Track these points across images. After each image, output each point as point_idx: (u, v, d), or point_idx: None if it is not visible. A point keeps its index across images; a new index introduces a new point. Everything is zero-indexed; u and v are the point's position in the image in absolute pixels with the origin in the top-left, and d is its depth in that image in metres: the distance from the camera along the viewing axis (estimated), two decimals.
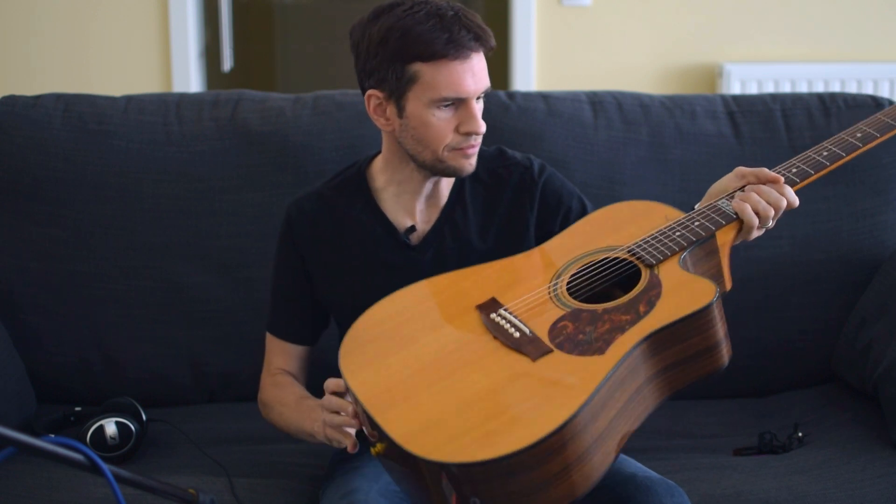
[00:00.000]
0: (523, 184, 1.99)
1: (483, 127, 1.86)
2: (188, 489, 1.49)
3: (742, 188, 1.83)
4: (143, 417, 2.17)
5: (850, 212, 2.41)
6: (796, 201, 1.82)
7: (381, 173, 1.98)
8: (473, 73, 1.82)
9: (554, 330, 1.68)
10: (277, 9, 5.59)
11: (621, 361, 1.59)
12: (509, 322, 1.71)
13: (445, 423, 1.57)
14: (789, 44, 4.06)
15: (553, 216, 1.99)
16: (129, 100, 2.48)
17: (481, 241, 1.96)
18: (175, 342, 2.40)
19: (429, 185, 1.95)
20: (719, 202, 1.83)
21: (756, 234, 1.81)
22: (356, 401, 1.67)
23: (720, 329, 1.68)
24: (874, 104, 2.47)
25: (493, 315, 1.73)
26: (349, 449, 1.77)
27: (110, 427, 2.11)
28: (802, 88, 4.00)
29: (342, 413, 1.76)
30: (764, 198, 1.80)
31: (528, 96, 2.49)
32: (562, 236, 1.90)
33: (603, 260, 1.80)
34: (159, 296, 2.40)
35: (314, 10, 5.50)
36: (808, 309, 2.41)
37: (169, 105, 2.47)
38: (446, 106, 1.83)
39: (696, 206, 1.86)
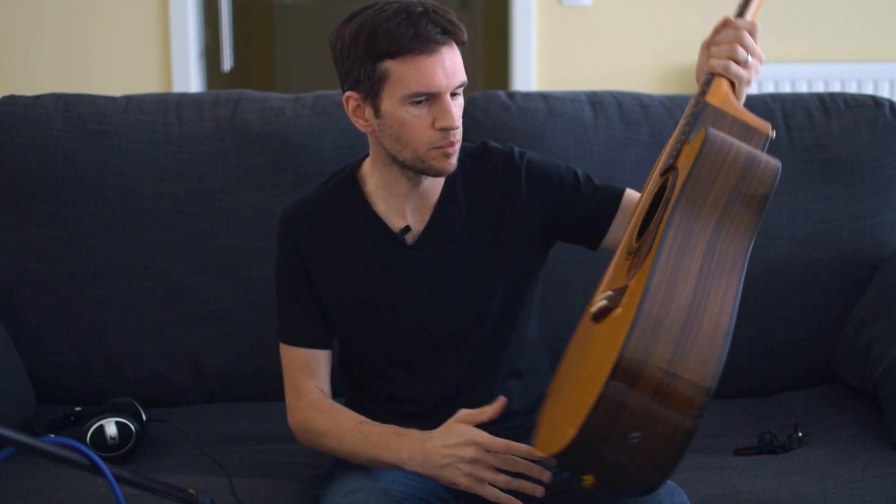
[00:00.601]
0: (507, 171, 1.98)
1: (458, 121, 1.83)
2: (188, 489, 1.49)
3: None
4: (143, 417, 2.17)
5: (850, 212, 2.41)
6: (755, 26, 1.77)
7: (371, 176, 1.97)
8: (444, 68, 1.80)
9: (629, 272, 1.68)
10: (277, 9, 5.60)
11: (662, 240, 1.56)
12: (601, 299, 1.70)
13: (581, 407, 1.55)
14: (789, 44, 4.06)
15: (546, 193, 1.97)
16: (129, 100, 2.48)
17: (476, 233, 1.96)
18: (175, 342, 2.40)
19: (416, 187, 1.93)
20: (705, 78, 1.80)
21: (747, 73, 1.76)
22: (550, 459, 1.66)
23: (741, 150, 1.63)
24: (874, 104, 2.47)
25: (592, 309, 1.72)
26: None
27: (110, 427, 2.11)
28: (802, 88, 4.00)
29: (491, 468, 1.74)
30: (723, 42, 1.77)
31: (528, 96, 2.49)
32: (632, 222, 1.86)
33: (652, 201, 1.76)
34: (159, 296, 2.40)
35: (314, 10, 5.50)
36: (808, 309, 2.41)
37: (169, 105, 2.47)
38: (419, 102, 1.81)
39: None
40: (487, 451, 1.75)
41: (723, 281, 1.57)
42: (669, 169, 1.73)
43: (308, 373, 1.98)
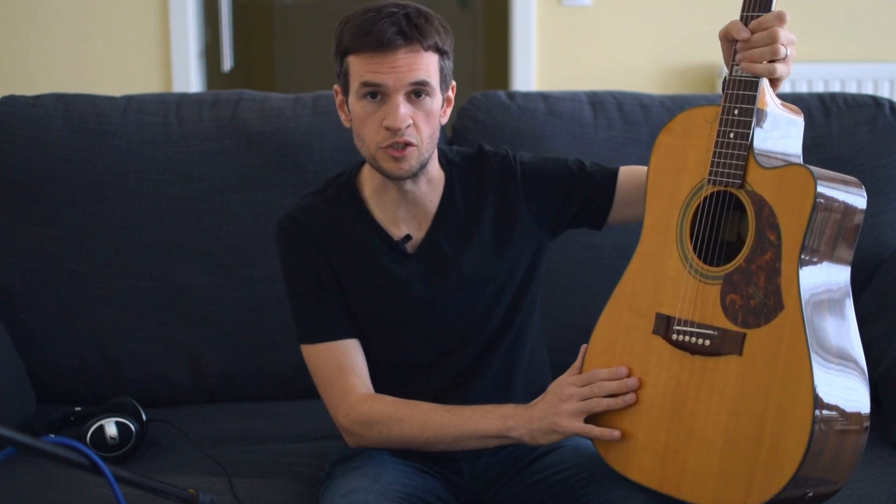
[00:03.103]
0: (504, 173, 1.98)
1: (402, 123, 1.81)
2: (188, 489, 1.49)
3: (736, 46, 1.72)
4: (143, 417, 2.17)
5: None
6: (784, 16, 1.68)
7: (367, 183, 1.97)
8: (394, 66, 1.81)
9: (727, 311, 1.68)
10: (277, 9, 5.60)
11: (801, 297, 1.62)
12: (691, 333, 1.72)
13: (732, 471, 1.65)
14: None
15: (545, 190, 1.97)
16: (129, 100, 2.48)
17: (476, 240, 1.95)
18: (175, 342, 2.40)
19: (404, 194, 1.93)
20: (735, 75, 1.72)
21: (784, 67, 1.70)
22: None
23: (837, 186, 1.67)
24: (874, 104, 2.47)
25: (674, 336, 1.73)
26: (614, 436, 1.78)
27: (110, 427, 2.11)
28: (802, 88, 4.00)
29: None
30: (760, 45, 1.68)
31: (528, 96, 2.49)
32: (647, 210, 1.82)
33: (699, 208, 1.75)
34: (159, 296, 2.40)
35: (314, 10, 5.51)
36: None
37: (169, 105, 2.47)
38: (370, 97, 1.83)
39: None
40: (576, 385, 1.80)
41: (847, 321, 1.68)
42: (739, 186, 1.69)
43: (348, 369, 1.93)
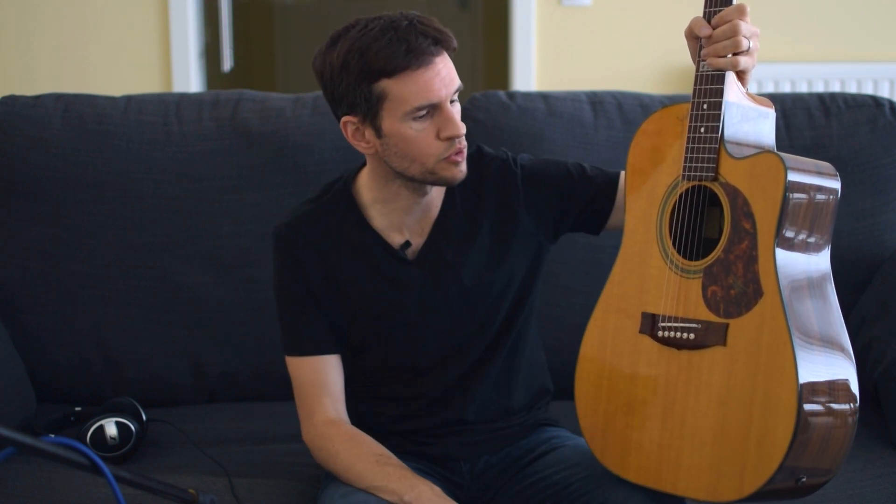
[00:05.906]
0: (504, 176, 1.97)
1: (463, 128, 1.82)
2: (188, 489, 1.49)
3: (701, 41, 1.76)
4: (143, 417, 2.17)
5: (850, 212, 2.40)
6: (744, 8, 1.71)
7: (368, 190, 1.94)
8: (441, 78, 1.78)
9: (709, 303, 1.69)
10: (277, 9, 5.60)
11: (780, 282, 1.63)
12: (675, 329, 1.72)
13: (724, 462, 1.66)
14: (789, 44, 4.07)
15: (545, 194, 1.97)
16: (129, 100, 2.48)
17: (477, 243, 1.94)
18: (175, 342, 2.40)
19: (419, 201, 1.92)
20: (701, 71, 1.75)
21: (752, 59, 1.73)
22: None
23: (809, 172, 1.68)
24: (874, 104, 2.46)
25: (659, 333, 1.74)
26: None
27: (110, 427, 2.11)
28: (802, 88, 4.00)
29: None
30: (722, 39, 1.72)
31: (528, 96, 2.49)
32: (627, 212, 1.84)
33: (676, 204, 1.76)
34: (159, 296, 2.40)
35: (314, 10, 5.51)
36: None
37: (169, 105, 2.47)
38: (421, 116, 1.80)
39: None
40: None
41: (829, 304, 1.69)
42: (712, 178, 1.71)
43: (320, 387, 1.93)
